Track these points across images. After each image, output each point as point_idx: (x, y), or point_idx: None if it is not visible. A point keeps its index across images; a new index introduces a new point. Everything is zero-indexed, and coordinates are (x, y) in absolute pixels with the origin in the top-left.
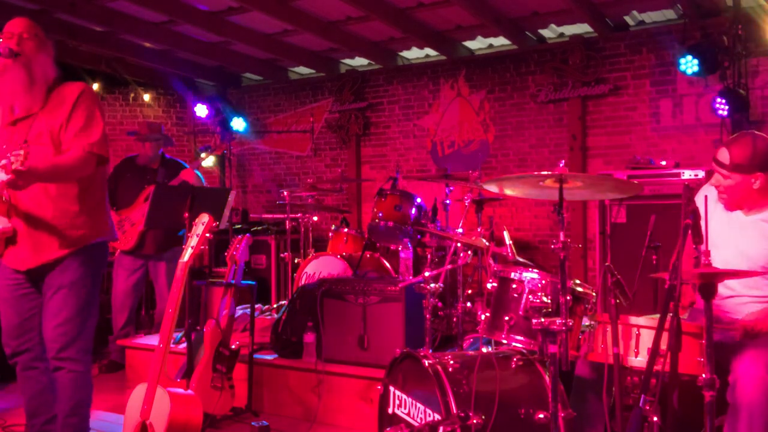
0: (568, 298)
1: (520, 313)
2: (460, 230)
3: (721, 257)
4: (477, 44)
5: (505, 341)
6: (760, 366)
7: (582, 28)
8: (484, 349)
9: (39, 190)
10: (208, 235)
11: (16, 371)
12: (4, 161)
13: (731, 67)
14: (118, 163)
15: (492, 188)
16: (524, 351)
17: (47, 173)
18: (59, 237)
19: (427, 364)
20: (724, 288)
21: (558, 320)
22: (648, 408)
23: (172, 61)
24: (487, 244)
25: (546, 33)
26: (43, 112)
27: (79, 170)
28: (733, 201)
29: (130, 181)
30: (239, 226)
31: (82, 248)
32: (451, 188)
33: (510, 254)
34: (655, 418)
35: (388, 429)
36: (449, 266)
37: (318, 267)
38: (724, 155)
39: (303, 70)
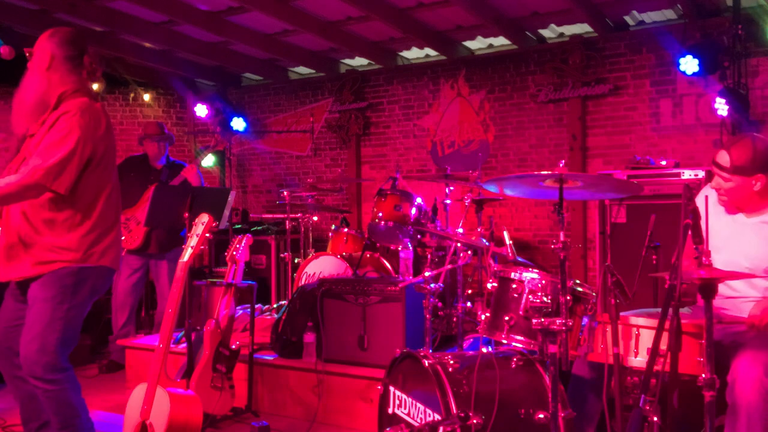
0: (568, 298)
1: (520, 313)
2: (460, 230)
3: (722, 258)
4: (477, 44)
5: (505, 341)
6: (759, 367)
7: (582, 28)
8: (484, 349)
9: (16, 206)
10: (208, 235)
11: (5, 378)
12: None
13: (731, 67)
14: (120, 162)
15: (492, 188)
16: (524, 351)
17: None
18: (32, 257)
19: (427, 364)
20: (725, 288)
21: (558, 320)
22: (648, 408)
23: (172, 61)
24: (487, 244)
25: (546, 33)
26: (41, 129)
27: (17, 195)
28: (733, 203)
29: (133, 180)
30: (239, 226)
31: (60, 270)
32: (451, 188)
33: (510, 254)
34: (655, 418)
35: (388, 429)
36: (449, 266)
37: (318, 267)
38: (724, 158)
39: (303, 70)
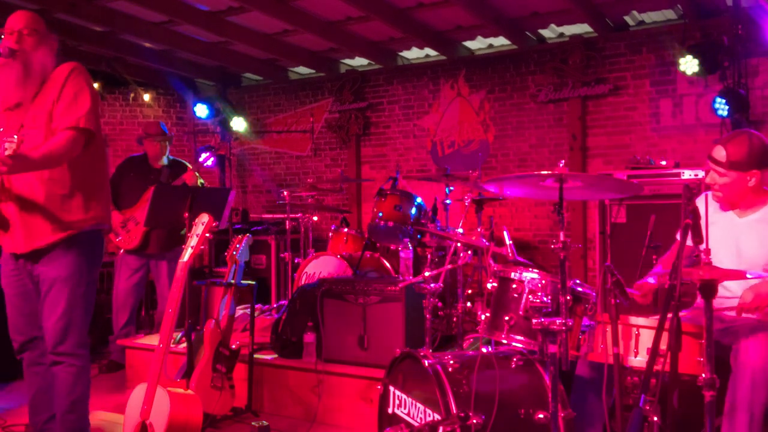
0: (568, 298)
1: (520, 313)
2: (460, 230)
3: (717, 259)
4: (477, 44)
5: (505, 341)
6: (765, 334)
7: (582, 28)
8: (484, 349)
9: (31, 173)
10: (208, 235)
11: (23, 367)
12: None
13: (731, 67)
14: (120, 162)
15: (492, 188)
16: (524, 351)
17: (40, 161)
18: (51, 221)
19: (427, 364)
20: (722, 289)
21: (558, 320)
22: (648, 408)
23: (172, 61)
24: (487, 244)
25: (546, 33)
26: (39, 96)
27: (70, 150)
28: (727, 199)
29: (133, 180)
30: (239, 226)
31: (76, 235)
32: (451, 188)
33: (510, 254)
34: (655, 418)
35: (388, 429)
36: (449, 266)
37: (318, 267)
38: (720, 153)
39: (303, 70)
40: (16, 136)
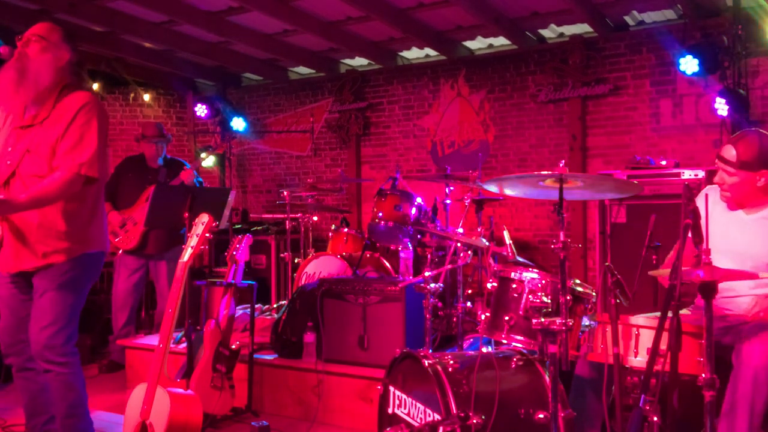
0: (568, 298)
1: (520, 313)
2: (460, 230)
3: (724, 257)
4: (477, 44)
5: (505, 341)
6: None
7: (582, 28)
8: (484, 349)
9: None
10: (208, 235)
11: (13, 373)
12: None
13: (731, 67)
14: (119, 162)
15: (492, 188)
16: (524, 351)
17: (28, 204)
18: (43, 247)
19: (427, 364)
20: (726, 287)
21: (558, 320)
22: (648, 408)
23: (172, 61)
24: (487, 244)
25: (546, 33)
26: (48, 121)
27: (63, 194)
28: (736, 199)
29: (131, 180)
30: (239, 226)
31: (69, 260)
32: (451, 188)
33: (510, 254)
34: (655, 418)
35: (388, 429)
36: (449, 266)
37: (318, 267)
38: (730, 153)
39: (303, 70)
40: None
